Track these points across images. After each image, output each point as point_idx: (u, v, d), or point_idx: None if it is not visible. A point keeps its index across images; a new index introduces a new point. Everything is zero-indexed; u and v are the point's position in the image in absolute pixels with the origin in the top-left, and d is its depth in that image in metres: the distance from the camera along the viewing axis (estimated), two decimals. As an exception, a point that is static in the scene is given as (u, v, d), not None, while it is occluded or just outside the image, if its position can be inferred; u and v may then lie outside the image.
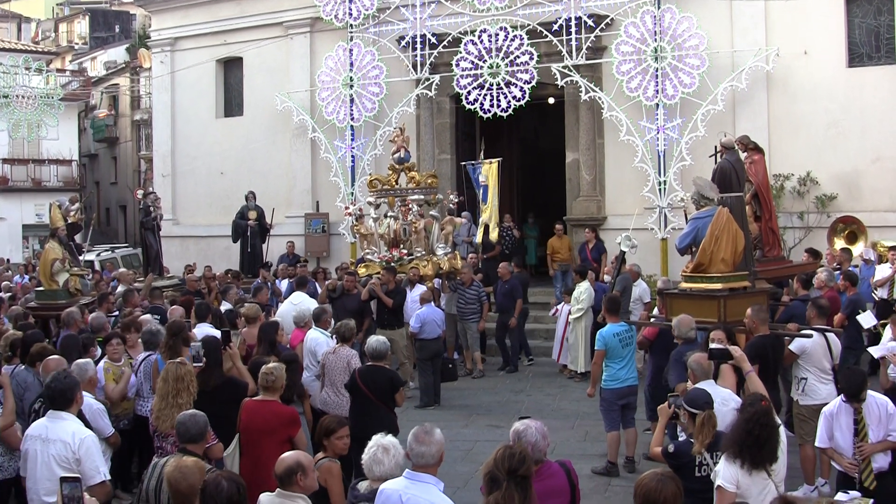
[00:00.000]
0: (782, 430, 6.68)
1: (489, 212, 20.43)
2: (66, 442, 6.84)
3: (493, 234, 20.48)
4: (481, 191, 20.24)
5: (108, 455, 8.58)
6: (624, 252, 15.54)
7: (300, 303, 13.86)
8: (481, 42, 20.59)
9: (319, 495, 6.35)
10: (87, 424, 7.44)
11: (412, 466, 5.91)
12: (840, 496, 7.61)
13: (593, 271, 17.74)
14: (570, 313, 16.77)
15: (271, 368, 8.31)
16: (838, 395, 9.83)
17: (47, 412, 7.19)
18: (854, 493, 7.75)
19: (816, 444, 8.40)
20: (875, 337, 12.27)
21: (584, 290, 16.55)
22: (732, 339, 9.21)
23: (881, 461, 7.92)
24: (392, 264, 17.22)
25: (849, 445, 7.94)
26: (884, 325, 11.94)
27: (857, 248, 16.68)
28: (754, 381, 7.75)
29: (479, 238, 20.31)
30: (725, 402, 7.70)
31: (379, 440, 6.23)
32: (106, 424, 8.41)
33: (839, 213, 18.07)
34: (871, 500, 7.60)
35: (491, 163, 20.49)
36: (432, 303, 15.76)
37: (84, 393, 8.06)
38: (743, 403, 6.65)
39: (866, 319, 11.56)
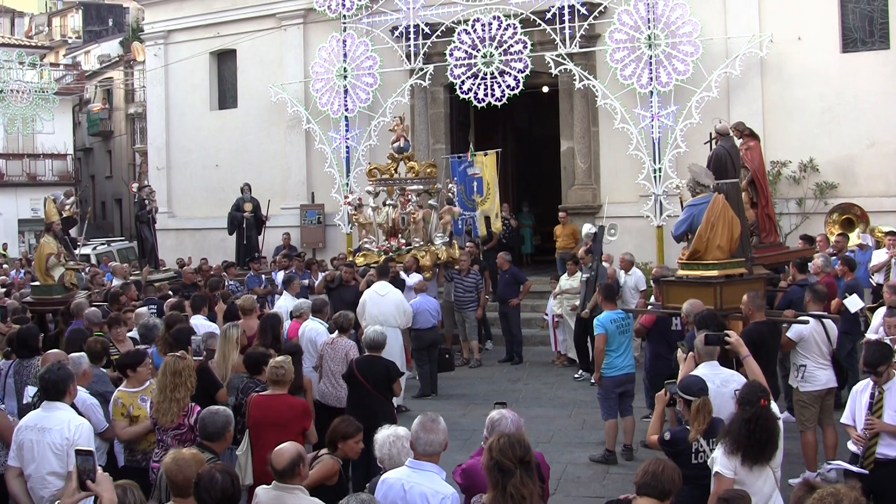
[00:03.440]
0: (781, 420, 6.67)
1: (490, 203, 20.47)
2: (62, 430, 6.88)
3: (497, 226, 20.52)
4: (475, 184, 20.26)
5: (104, 449, 8.57)
6: (595, 237, 15.46)
7: (387, 293, 13.91)
8: (475, 31, 20.56)
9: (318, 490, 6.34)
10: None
11: (415, 455, 5.92)
12: (824, 467, 7.61)
13: None
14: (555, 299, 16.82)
15: (280, 362, 8.23)
16: (836, 375, 9.94)
17: (41, 403, 7.22)
18: (837, 463, 7.76)
19: (842, 420, 8.34)
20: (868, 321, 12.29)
21: (578, 278, 16.47)
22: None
23: (890, 448, 7.82)
24: (390, 254, 17.21)
25: (861, 420, 7.94)
26: (871, 309, 11.94)
27: (855, 234, 16.69)
28: (751, 366, 7.75)
29: (481, 231, 20.35)
30: (726, 382, 7.68)
31: (393, 432, 6.28)
32: (100, 420, 8.36)
33: (835, 199, 18.09)
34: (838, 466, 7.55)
35: (486, 154, 20.51)
36: (426, 292, 15.74)
37: (77, 387, 8.05)
38: (741, 399, 6.61)
39: (853, 303, 11.57)
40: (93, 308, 12.42)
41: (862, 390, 8.10)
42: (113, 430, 8.57)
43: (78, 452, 5.08)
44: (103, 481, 5.01)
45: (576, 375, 15.44)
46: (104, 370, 9.54)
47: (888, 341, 9.60)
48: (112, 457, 8.80)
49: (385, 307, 13.63)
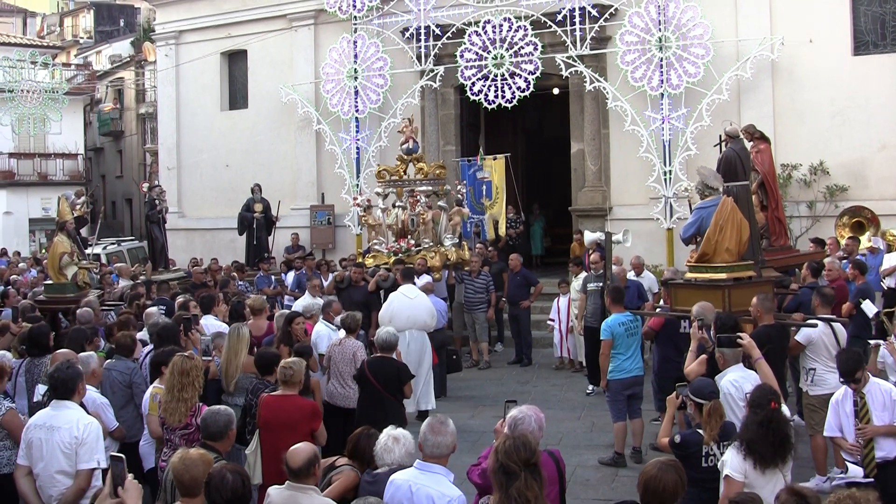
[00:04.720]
0: (793, 422, 6.66)
1: (497, 207, 20.51)
2: (71, 429, 6.89)
3: (501, 230, 20.54)
4: (484, 187, 20.29)
5: (115, 448, 8.60)
6: (603, 243, 15.40)
7: (416, 296, 13.84)
8: (485, 33, 20.56)
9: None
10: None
11: (423, 457, 5.93)
12: (835, 472, 7.59)
13: None
14: (568, 304, 16.71)
15: (290, 363, 8.22)
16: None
17: (51, 402, 7.23)
18: (855, 469, 7.72)
19: (825, 433, 8.37)
20: (881, 325, 12.24)
21: (580, 280, 16.36)
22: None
23: (887, 449, 7.82)
24: (399, 255, 17.22)
25: (851, 429, 7.93)
26: (888, 314, 11.90)
27: (865, 238, 16.64)
28: (763, 369, 7.74)
29: (490, 234, 20.37)
30: None
31: (390, 431, 6.31)
32: (110, 419, 8.40)
33: (846, 202, 18.04)
34: (860, 475, 7.54)
35: (496, 158, 20.51)
36: (434, 293, 15.71)
37: (87, 386, 8.08)
38: (751, 402, 6.60)
39: (870, 307, 11.55)
40: (84, 308, 12.40)
41: (842, 399, 8.08)
42: (122, 430, 8.65)
43: (111, 457, 5.17)
44: (131, 488, 5.07)
45: (587, 391, 15.16)
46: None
47: None
48: (136, 458, 8.83)
49: (415, 310, 13.55)
